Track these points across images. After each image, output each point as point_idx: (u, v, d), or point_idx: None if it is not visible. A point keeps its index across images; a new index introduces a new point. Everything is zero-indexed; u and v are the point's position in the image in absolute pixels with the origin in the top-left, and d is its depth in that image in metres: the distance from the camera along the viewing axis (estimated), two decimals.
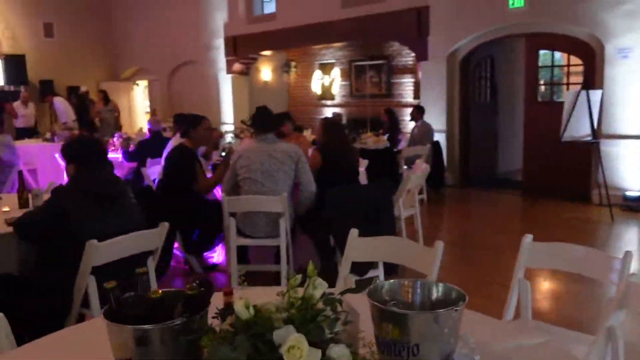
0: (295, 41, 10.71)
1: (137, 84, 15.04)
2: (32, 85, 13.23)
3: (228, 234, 3.90)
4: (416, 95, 9.98)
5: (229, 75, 11.82)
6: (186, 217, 4.28)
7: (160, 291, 1.22)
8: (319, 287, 1.10)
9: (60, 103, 10.83)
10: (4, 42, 13.23)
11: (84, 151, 2.79)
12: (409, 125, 9.04)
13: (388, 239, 2.45)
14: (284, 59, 12.44)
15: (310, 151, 4.82)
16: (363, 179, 4.98)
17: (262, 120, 4.09)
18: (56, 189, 2.76)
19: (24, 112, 10.67)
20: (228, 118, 11.87)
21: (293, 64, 12.39)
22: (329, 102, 12.02)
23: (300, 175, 3.99)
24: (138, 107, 15.09)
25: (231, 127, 11.19)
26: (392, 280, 1.32)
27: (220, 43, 11.84)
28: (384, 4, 9.04)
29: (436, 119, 8.35)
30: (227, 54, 11.72)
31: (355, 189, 4.14)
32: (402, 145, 8.27)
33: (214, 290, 1.24)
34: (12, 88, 12.92)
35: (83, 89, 12.69)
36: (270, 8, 11.33)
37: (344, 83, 11.73)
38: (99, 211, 2.71)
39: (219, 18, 11.84)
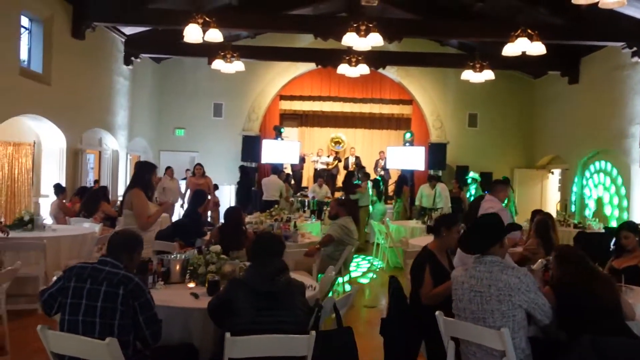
0: None
1: (552, 173, 14.44)
2: (450, 169, 14.50)
3: None
4: None
5: None
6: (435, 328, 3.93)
7: None
8: None
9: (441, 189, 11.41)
10: (433, 131, 15.06)
11: (255, 248, 3.04)
12: None
13: None
14: None
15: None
16: None
17: (477, 235, 3.39)
18: (232, 278, 3.09)
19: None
20: (637, 218, 10.01)
21: None
22: None
23: (533, 313, 3.13)
24: (551, 197, 14.41)
25: None
26: None
27: (635, 131, 10.24)
28: None
29: None
30: None
31: (627, 345, 2.93)
32: None
33: None
34: (431, 172, 14.49)
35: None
36: None
37: None
38: (255, 305, 2.87)
39: (637, 102, 10.29)
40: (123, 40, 12.24)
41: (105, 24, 10.53)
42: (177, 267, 3.85)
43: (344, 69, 11.13)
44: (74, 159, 10.13)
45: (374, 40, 8.76)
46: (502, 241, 3.30)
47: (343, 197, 9.82)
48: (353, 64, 11.04)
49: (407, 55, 13.40)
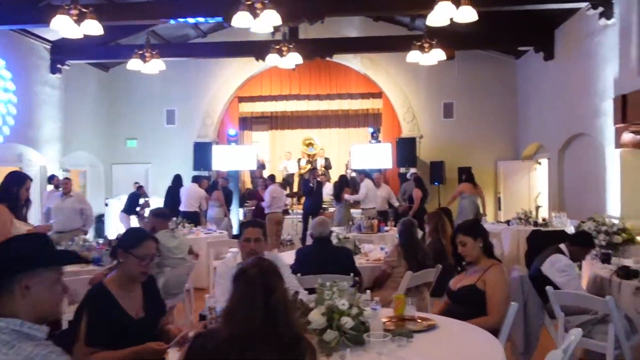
0: None
1: (540, 163, 12.71)
2: (423, 165, 12.99)
3: None
4: None
5: (618, 150, 8.32)
6: None
7: None
8: None
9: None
10: (405, 125, 13.58)
11: None
12: None
13: None
14: None
15: None
16: None
17: None
18: None
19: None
20: (614, 209, 8.30)
21: None
22: None
23: None
24: (540, 190, 12.67)
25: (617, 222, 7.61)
26: None
27: (607, 107, 8.54)
28: None
29: None
30: (615, 120, 8.31)
31: None
32: None
33: None
34: (401, 170, 13.03)
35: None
36: None
37: None
38: None
39: (609, 73, 8.60)
40: (48, 47, 11.41)
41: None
42: None
43: (273, 59, 9.87)
44: None
45: (271, 20, 7.50)
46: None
47: None
48: (284, 53, 9.76)
49: (357, 41, 12.06)
